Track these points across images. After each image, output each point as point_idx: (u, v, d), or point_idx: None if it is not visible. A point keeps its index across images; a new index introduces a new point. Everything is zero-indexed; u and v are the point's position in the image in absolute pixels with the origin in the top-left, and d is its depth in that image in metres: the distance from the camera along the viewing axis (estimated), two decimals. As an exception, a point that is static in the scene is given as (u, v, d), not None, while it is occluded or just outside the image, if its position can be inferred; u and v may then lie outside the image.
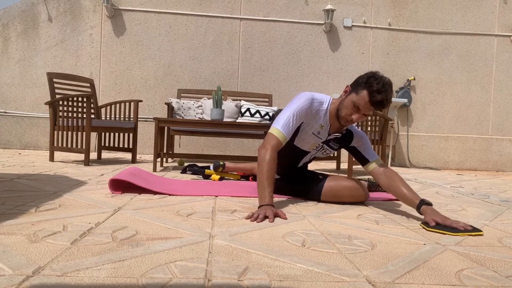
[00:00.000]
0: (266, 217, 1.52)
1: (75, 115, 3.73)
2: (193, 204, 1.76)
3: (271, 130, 1.77)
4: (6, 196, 1.73)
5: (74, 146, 4.44)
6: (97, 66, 4.70)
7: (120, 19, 4.69)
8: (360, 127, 3.35)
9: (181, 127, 3.42)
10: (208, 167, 2.73)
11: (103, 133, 3.94)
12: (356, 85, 1.72)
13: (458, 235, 1.40)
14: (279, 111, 3.98)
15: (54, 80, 3.51)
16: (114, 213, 1.52)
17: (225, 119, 3.85)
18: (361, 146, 1.91)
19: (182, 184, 2.31)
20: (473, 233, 1.42)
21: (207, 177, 2.67)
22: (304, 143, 1.90)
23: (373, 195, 2.19)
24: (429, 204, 1.59)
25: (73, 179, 2.37)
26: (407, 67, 5.02)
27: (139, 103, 4.60)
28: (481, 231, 1.44)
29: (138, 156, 4.44)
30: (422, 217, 1.61)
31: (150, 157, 4.42)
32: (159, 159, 4.04)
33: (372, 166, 1.85)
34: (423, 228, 1.50)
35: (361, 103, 1.68)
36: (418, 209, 1.60)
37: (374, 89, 1.64)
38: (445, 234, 1.42)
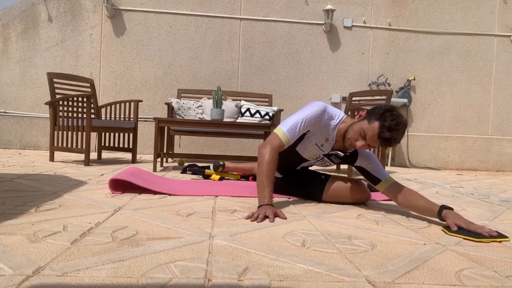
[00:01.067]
0: (266, 217, 1.52)
1: (75, 115, 3.73)
2: (193, 204, 1.76)
3: (276, 130, 1.76)
4: (6, 196, 1.73)
5: (74, 146, 4.44)
6: (97, 66, 4.70)
7: (120, 19, 4.69)
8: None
9: (181, 127, 3.42)
10: (208, 167, 2.73)
11: (103, 133, 3.94)
12: (372, 114, 1.67)
13: (482, 241, 1.32)
14: (279, 111, 3.98)
15: (54, 80, 3.51)
16: (114, 213, 1.52)
17: (225, 119, 3.85)
18: (369, 166, 1.84)
19: (182, 184, 2.31)
20: (498, 239, 1.34)
21: (207, 177, 2.67)
22: (305, 151, 1.89)
23: (374, 195, 2.19)
24: (450, 208, 1.53)
25: (73, 179, 2.37)
26: (407, 67, 5.02)
27: (139, 103, 4.59)
28: (507, 237, 1.36)
29: (138, 156, 4.44)
30: (435, 220, 1.59)
31: (150, 157, 4.42)
32: (159, 159, 4.04)
33: (384, 186, 1.77)
34: (445, 232, 1.42)
35: (369, 133, 1.64)
36: (439, 215, 1.53)
37: (386, 125, 1.60)
38: (467, 239, 1.34)
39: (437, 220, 1.61)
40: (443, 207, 1.54)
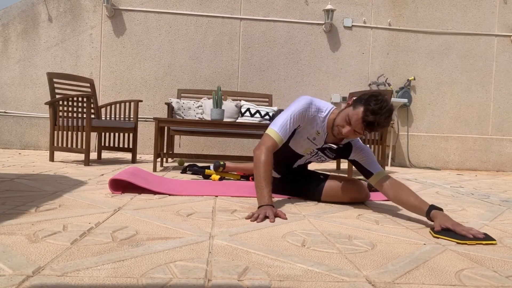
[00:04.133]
0: (266, 217, 1.52)
1: (75, 115, 3.73)
2: (193, 204, 1.76)
3: (267, 131, 1.77)
4: (6, 196, 1.73)
5: (74, 146, 4.44)
6: (97, 66, 4.70)
7: (120, 19, 4.69)
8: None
9: (181, 127, 3.42)
10: (208, 167, 2.73)
11: (103, 133, 3.94)
12: (358, 100, 1.68)
13: (466, 243, 1.29)
14: (279, 111, 3.98)
15: (54, 80, 3.51)
16: (114, 213, 1.52)
17: (225, 119, 3.85)
18: (362, 159, 1.83)
19: (182, 184, 2.31)
20: (484, 242, 1.31)
21: (207, 177, 2.67)
22: (298, 146, 1.89)
23: (373, 195, 2.19)
24: (439, 209, 1.51)
25: (73, 179, 2.37)
26: (407, 67, 5.02)
27: (139, 103, 4.59)
28: (495, 240, 1.33)
29: (138, 156, 4.44)
30: (427, 221, 1.60)
31: (150, 157, 4.42)
32: (159, 159, 4.04)
33: (376, 179, 1.77)
34: (431, 234, 1.40)
35: (354, 118, 1.64)
36: (427, 215, 1.52)
37: (370, 108, 1.60)
38: (451, 241, 1.32)
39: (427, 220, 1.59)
40: (432, 207, 1.52)
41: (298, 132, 1.84)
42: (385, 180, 1.74)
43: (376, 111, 1.59)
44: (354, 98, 1.73)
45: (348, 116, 1.66)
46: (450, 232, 1.37)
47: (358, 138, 1.95)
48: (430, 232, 1.43)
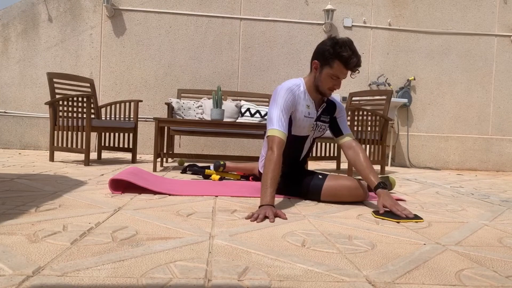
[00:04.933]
0: (266, 217, 1.52)
1: (75, 115, 3.73)
2: (193, 204, 1.76)
3: (269, 133, 1.80)
4: (6, 196, 1.73)
5: (74, 146, 4.44)
6: (97, 66, 4.70)
7: (120, 19, 4.69)
8: (360, 127, 3.35)
9: (181, 127, 3.42)
10: (208, 167, 2.73)
11: (103, 133, 3.94)
12: (325, 59, 1.77)
13: (399, 221, 1.54)
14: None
15: (54, 80, 3.51)
16: (114, 213, 1.52)
17: (225, 119, 3.85)
18: (339, 118, 2.01)
19: (182, 184, 2.31)
20: (414, 220, 1.55)
21: (207, 177, 2.67)
22: (300, 129, 1.95)
23: (373, 195, 2.19)
24: (385, 188, 1.69)
25: (73, 179, 2.37)
26: (407, 67, 5.02)
27: (139, 103, 4.59)
28: (422, 218, 1.58)
29: (138, 156, 4.44)
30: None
31: (150, 157, 4.42)
32: (159, 159, 4.04)
33: (345, 139, 1.95)
34: (372, 215, 1.63)
35: (338, 72, 1.76)
36: (374, 190, 1.73)
37: (346, 56, 1.71)
38: (388, 220, 1.56)
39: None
40: (380, 185, 1.71)
41: (294, 117, 1.91)
42: (350, 142, 1.95)
43: (351, 54, 1.72)
44: (315, 57, 1.82)
45: (332, 74, 1.78)
46: (389, 213, 1.61)
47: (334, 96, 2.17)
48: (372, 214, 1.66)
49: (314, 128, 2.00)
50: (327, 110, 2.00)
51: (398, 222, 1.55)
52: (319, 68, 1.82)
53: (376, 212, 1.64)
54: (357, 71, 1.79)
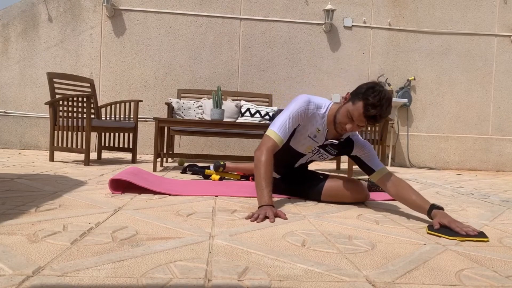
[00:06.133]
0: (266, 217, 1.52)
1: (75, 115, 3.73)
2: (193, 204, 1.76)
3: (267, 133, 1.78)
4: (6, 196, 1.73)
5: (74, 146, 4.44)
6: (97, 66, 4.70)
7: (120, 19, 4.69)
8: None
9: (181, 127, 3.42)
10: (208, 167, 2.73)
11: (103, 133, 3.94)
12: (355, 94, 1.68)
13: (456, 239, 1.33)
14: (279, 111, 3.97)
15: (54, 80, 3.51)
16: (114, 213, 1.52)
17: (225, 119, 3.85)
18: (364, 156, 1.84)
19: (182, 184, 2.31)
20: (475, 239, 1.33)
21: (207, 177, 2.67)
22: (299, 145, 1.90)
23: (373, 195, 2.19)
24: (441, 208, 1.52)
25: (73, 179, 2.37)
26: (407, 67, 5.02)
27: (139, 103, 4.59)
28: (487, 237, 1.35)
29: (138, 156, 4.44)
30: (426, 219, 1.60)
31: (150, 157, 4.42)
32: (159, 159, 4.04)
33: (379, 176, 1.78)
34: (426, 231, 1.43)
35: (355, 114, 1.65)
36: (429, 214, 1.54)
37: (370, 102, 1.60)
38: (443, 237, 1.35)
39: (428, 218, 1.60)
40: (434, 206, 1.53)
41: (299, 130, 1.84)
42: (387, 177, 1.75)
43: (376, 104, 1.60)
44: (350, 91, 1.73)
45: (349, 112, 1.67)
46: (445, 229, 1.39)
47: (357, 132, 1.95)
48: (425, 228, 1.46)
49: (314, 152, 1.94)
50: (338, 146, 1.89)
51: (454, 239, 1.33)
52: (347, 100, 1.74)
53: (430, 228, 1.42)
54: (374, 123, 1.68)
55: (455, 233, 1.35)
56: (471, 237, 1.33)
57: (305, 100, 1.79)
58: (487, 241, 1.34)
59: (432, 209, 1.53)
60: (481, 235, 1.35)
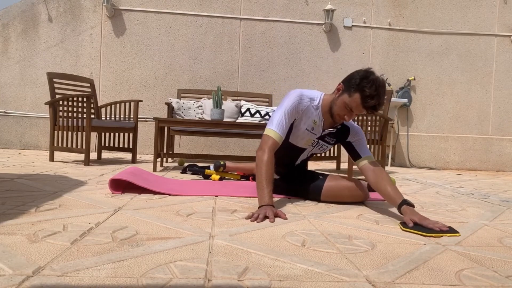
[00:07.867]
0: (266, 217, 1.52)
1: (75, 115, 3.73)
2: (193, 204, 1.76)
3: (266, 132, 1.79)
4: (6, 196, 1.73)
5: (74, 146, 4.44)
6: (97, 66, 4.70)
7: (120, 19, 4.69)
8: (360, 127, 3.35)
9: (181, 127, 3.42)
10: (208, 167, 2.73)
11: (103, 133, 3.94)
12: (349, 86, 1.70)
13: (432, 236, 1.36)
14: (279, 111, 3.97)
15: (54, 80, 3.51)
16: (114, 213, 1.52)
17: (225, 119, 3.85)
18: (355, 141, 1.91)
19: (182, 184, 2.31)
20: (448, 234, 1.38)
21: (207, 177, 2.67)
22: (298, 140, 1.91)
23: (373, 195, 2.19)
24: (411, 205, 1.56)
25: (73, 179, 2.37)
26: (407, 67, 5.02)
27: (139, 103, 4.59)
28: (458, 232, 1.40)
29: (138, 156, 4.44)
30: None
31: (150, 157, 4.42)
32: (159, 159, 4.04)
33: (363, 162, 1.84)
34: (400, 228, 1.47)
35: (353, 105, 1.69)
36: (399, 208, 1.58)
37: (367, 94, 1.63)
38: (418, 234, 1.39)
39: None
40: (405, 202, 1.58)
41: (296, 126, 1.86)
42: (370, 165, 1.82)
43: (373, 94, 1.63)
44: (344, 81, 1.75)
45: (347, 104, 1.71)
46: (418, 225, 1.44)
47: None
48: (399, 225, 1.51)
49: (313, 145, 1.96)
50: (335, 134, 1.93)
51: (430, 237, 1.36)
52: (341, 91, 1.75)
53: (404, 225, 1.47)
54: (374, 112, 1.71)
55: (429, 230, 1.40)
56: (444, 232, 1.39)
57: (298, 94, 1.81)
58: (459, 235, 1.39)
59: (403, 204, 1.57)
60: (451, 230, 1.41)
